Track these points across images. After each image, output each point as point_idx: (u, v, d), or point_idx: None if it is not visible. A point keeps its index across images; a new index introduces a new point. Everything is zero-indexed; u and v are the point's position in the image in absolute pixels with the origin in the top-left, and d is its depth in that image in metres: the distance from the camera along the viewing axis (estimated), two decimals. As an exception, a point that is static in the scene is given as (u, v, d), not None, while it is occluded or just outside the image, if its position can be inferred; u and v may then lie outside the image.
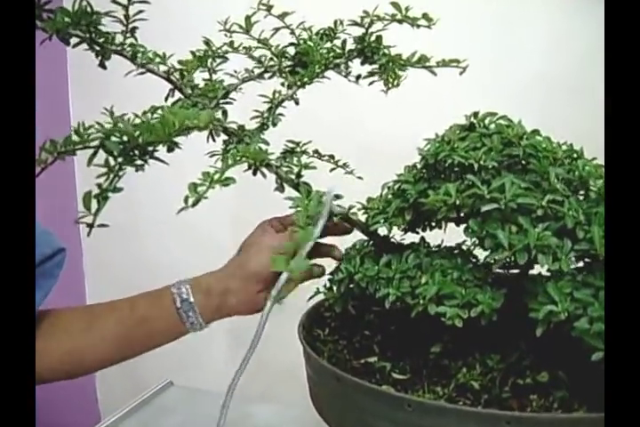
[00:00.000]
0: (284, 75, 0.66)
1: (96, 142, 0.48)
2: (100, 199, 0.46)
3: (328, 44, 0.66)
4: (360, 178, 0.67)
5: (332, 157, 0.66)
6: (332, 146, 0.67)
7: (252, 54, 0.66)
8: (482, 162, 0.54)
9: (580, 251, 0.50)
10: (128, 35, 0.60)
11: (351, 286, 0.60)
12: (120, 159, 0.47)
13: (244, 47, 0.66)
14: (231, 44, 0.66)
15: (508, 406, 0.48)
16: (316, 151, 0.65)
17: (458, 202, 0.53)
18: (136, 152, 0.47)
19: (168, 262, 1.20)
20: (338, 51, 0.65)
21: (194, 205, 0.48)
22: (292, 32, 0.66)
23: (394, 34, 0.65)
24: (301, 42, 0.65)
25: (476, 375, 0.52)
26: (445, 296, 0.52)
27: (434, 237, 0.62)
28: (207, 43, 0.66)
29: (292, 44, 0.66)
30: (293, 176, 0.60)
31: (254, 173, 0.59)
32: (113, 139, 0.47)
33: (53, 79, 1.04)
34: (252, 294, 0.64)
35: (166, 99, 0.62)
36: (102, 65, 0.59)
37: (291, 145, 0.64)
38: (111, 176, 0.46)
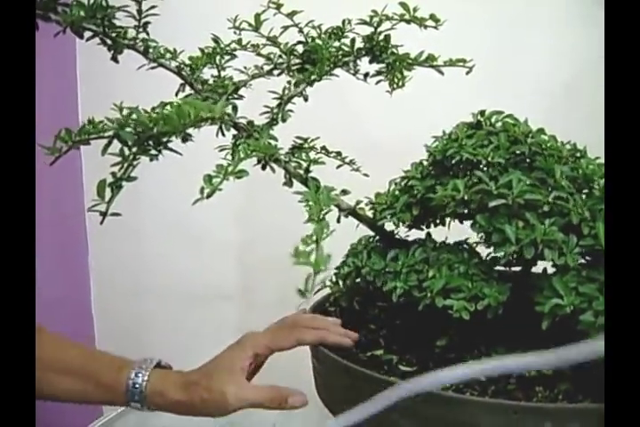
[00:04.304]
0: (292, 72, 0.67)
1: (110, 133, 0.49)
2: (113, 188, 0.46)
3: (336, 43, 0.67)
4: (366, 175, 0.68)
5: (339, 153, 0.67)
6: (337, 144, 0.67)
7: (260, 52, 0.67)
8: (489, 159, 0.55)
9: (585, 246, 0.51)
10: (140, 29, 0.60)
11: (357, 280, 0.61)
12: (134, 149, 0.47)
13: (252, 45, 0.67)
14: (239, 41, 0.67)
15: (514, 396, 0.48)
16: (323, 148, 0.66)
17: (466, 197, 0.54)
18: (150, 142, 0.48)
19: (172, 261, 1.19)
20: (347, 49, 0.66)
21: (209, 196, 0.49)
22: (301, 30, 0.66)
23: (398, 37, 0.66)
24: (310, 40, 0.66)
25: (482, 368, 0.52)
26: (452, 290, 0.52)
27: (437, 235, 0.63)
28: (216, 40, 0.66)
29: (300, 42, 0.67)
30: (302, 171, 0.60)
31: (263, 168, 0.59)
32: (127, 129, 0.48)
33: (62, 74, 1.05)
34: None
35: (177, 93, 0.63)
36: (115, 59, 0.60)
37: (299, 141, 0.65)
38: (125, 165, 0.47)
